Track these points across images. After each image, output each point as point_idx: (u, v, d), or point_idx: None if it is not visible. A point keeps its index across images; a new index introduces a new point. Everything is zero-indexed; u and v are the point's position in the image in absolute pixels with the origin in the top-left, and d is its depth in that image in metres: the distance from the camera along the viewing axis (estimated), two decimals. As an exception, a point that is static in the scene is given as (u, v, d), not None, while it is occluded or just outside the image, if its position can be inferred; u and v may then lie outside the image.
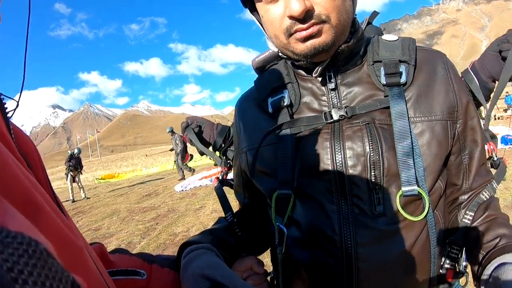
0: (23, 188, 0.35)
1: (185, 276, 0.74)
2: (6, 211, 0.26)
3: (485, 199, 0.86)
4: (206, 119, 1.59)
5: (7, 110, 0.49)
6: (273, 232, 0.89)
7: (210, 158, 1.68)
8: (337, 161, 0.79)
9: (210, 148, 1.64)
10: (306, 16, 0.71)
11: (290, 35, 0.75)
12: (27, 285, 0.19)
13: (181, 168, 13.69)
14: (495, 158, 1.03)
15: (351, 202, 0.78)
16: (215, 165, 1.63)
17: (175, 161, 14.09)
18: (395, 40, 0.86)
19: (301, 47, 0.76)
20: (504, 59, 1.31)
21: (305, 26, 0.72)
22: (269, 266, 0.94)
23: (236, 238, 0.98)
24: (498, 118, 19.73)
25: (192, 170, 13.86)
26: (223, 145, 1.44)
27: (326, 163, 0.80)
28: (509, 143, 9.41)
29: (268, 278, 0.97)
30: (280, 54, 0.89)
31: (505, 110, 21.89)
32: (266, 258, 1.46)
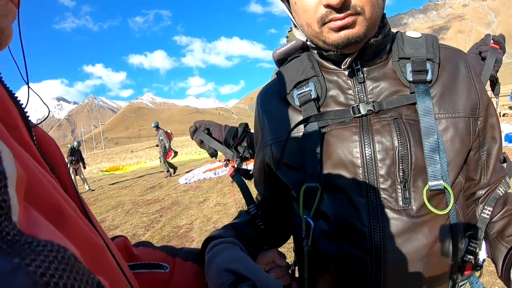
0: (49, 195, 0.36)
1: (209, 270, 0.74)
2: (35, 221, 0.28)
3: (501, 194, 0.90)
4: (213, 121, 1.60)
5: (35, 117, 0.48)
6: (299, 225, 0.89)
7: (219, 160, 1.69)
8: (367, 154, 0.80)
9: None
10: (343, 6, 0.71)
11: (324, 24, 0.75)
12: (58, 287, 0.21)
13: (166, 165, 13.24)
14: None
15: (379, 194, 0.79)
16: (226, 160, 1.65)
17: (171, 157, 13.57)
18: (419, 37, 0.88)
19: (334, 37, 0.76)
20: (484, 59, 1.40)
21: (341, 15, 0.72)
22: (290, 259, 0.94)
23: (259, 231, 0.98)
24: (503, 115, 19.60)
25: (169, 174, 13.13)
26: (232, 143, 1.46)
27: (355, 156, 0.80)
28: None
29: (290, 271, 0.98)
30: (308, 43, 0.89)
31: (510, 107, 21.72)
32: (286, 250, 1.46)
